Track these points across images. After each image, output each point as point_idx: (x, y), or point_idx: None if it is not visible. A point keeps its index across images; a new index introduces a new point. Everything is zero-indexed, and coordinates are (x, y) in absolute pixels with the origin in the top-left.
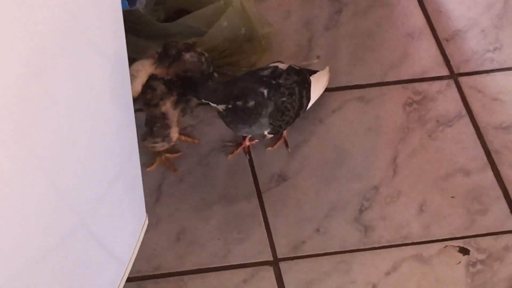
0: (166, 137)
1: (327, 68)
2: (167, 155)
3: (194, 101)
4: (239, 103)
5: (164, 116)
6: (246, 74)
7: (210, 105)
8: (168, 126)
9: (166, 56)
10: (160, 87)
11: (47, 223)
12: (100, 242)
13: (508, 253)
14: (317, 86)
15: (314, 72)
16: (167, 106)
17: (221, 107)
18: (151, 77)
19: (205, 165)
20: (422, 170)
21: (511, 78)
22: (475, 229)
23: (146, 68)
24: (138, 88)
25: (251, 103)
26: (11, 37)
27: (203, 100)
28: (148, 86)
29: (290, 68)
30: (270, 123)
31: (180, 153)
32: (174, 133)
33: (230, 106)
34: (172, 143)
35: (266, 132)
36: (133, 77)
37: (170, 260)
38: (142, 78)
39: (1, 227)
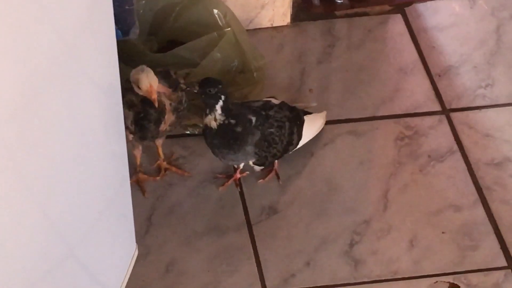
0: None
1: (324, 112)
2: (173, 169)
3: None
4: (232, 121)
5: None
6: (237, 104)
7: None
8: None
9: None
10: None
11: (37, 253)
12: (90, 272)
13: None
14: (311, 126)
15: (310, 113)
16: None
17: (220, 119)
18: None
19: (195, 197)
20: (413, 205)
21: (503, 114)
22: (465, 265)
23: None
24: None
25: (239, 128)
26: (6, 66)
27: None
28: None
29: (282, 103)
30: (256, 153)
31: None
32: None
33: (226, 121)
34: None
35: (251, 162)
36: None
37: None
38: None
39: None
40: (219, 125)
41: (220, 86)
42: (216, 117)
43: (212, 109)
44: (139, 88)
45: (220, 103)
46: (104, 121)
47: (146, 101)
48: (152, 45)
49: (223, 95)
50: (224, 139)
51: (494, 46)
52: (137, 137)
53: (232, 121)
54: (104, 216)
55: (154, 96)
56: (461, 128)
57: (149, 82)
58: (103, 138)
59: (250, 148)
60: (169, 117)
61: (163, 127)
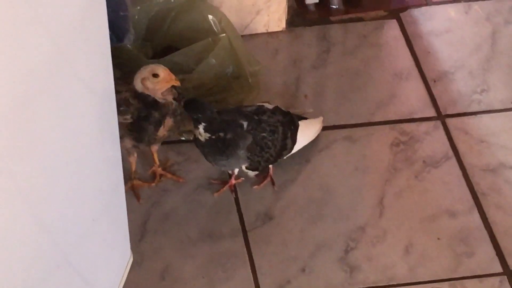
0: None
1: (321, 117)
2: (168, 175)
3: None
4: (221, 134)
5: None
6: (230, 109)
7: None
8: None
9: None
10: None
11: (31, 259)
12: (84, 279)
13: None
14: (306, 131)
15: (305, 118)
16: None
17: (206, 136)
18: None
19: (190, 203)
20: (409, 211)
21: (498, 120)
22: (461, 271)
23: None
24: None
25: (229, 135)
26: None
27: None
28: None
29: (276, 108)
30: (248, 157)
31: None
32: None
33: (213, 137)
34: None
35: (244, 167)
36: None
37: None
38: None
39: None
40: (206, 140)
41: (200, 116)
42: (201, 133)
43: (197, 127)
44: (153, 76)
45: (201, 128)
46: (98, 126)
47: (148, 103)
48: (147, 51)
49: (204, 122)
50: (215, 148)
51: (489, 52)
52: (132, 137)
53: (221, 134)
54: (99, 223)
55: (175, 79)
56: (456, 134)
57: (164, 68)
58: (97, 143)
59: (242, 153)
60: (168, 122)
61: (162, 131)
